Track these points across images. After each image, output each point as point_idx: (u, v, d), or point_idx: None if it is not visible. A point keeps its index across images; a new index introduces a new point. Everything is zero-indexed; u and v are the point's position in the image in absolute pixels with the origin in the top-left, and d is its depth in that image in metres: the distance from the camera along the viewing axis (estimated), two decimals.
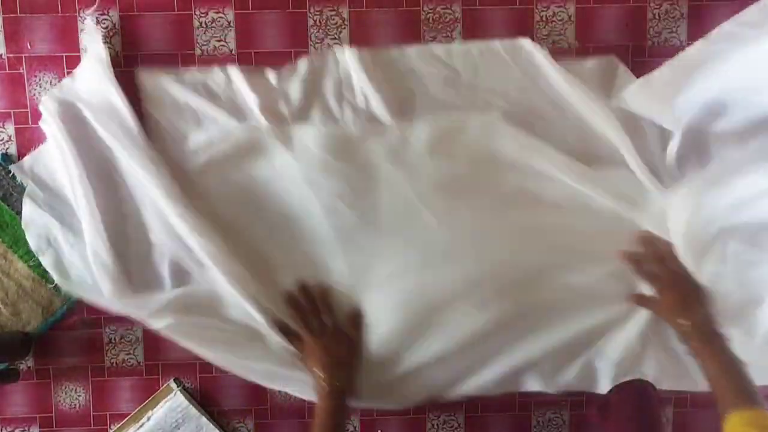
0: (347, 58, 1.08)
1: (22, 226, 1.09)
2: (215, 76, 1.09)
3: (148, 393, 1.18)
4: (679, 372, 1.08)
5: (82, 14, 1.09)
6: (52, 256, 1.08)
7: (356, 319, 1.05)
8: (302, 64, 1.10)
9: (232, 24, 1.12)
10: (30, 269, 1.13)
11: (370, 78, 1.07)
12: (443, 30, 1.13)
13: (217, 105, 1.08)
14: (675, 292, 1.00)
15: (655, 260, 1.03)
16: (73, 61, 1.11)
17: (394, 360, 1.05)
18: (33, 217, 1.08)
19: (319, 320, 1.06)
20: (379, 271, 1.04)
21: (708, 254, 0.99)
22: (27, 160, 1.10)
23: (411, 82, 1.09)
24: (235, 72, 1.09)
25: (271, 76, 1.09)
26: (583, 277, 1.05)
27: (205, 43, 1.12)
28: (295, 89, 1.08)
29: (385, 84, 1.08)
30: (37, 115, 1.11)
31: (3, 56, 1.12)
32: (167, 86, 1.09)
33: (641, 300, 1.04)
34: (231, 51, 1.13)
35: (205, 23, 1.12)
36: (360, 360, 1.05)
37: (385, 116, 1.08)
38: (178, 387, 1.16)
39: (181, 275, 1.08)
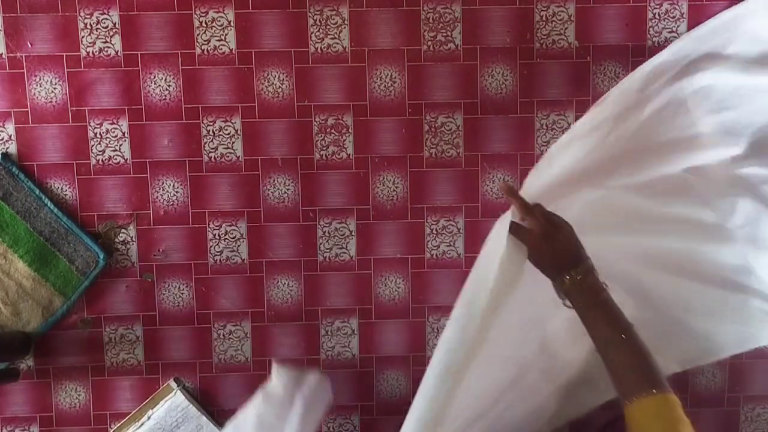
0: None
1: None
2: None
3: (148, 392, 1.17)
4: None
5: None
6: None
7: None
8: None
9: (232, 23, 1.12)
10: (30, 269, 1.13)
11: None
12: (443, 30, 1.13)
13: None
14: (547, 243, 0.86)
15: (523, 211, 0.90)
16: (73, 61, 1.12)
17: None
18: None
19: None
20: None
21: None
22: None
23: None
24: None
25: None
26: None
27: (206, 42, 1.12)
28: None
29: None
30: (37, 115, 1.12)
31: (3, 56, 1.12)
32: None
33: (517, 231, 0.89)
34: (231, 50, 1.13)
35: (206, 23, 1.12)
36: None
37: None
38: (178, 386, 1.16)
39: None
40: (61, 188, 1.14)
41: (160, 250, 1.16)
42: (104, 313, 1.16)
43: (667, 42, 1.14)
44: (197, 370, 1.18)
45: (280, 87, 1.14)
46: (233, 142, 1.15)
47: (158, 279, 1.16)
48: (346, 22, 1.13)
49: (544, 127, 1.16)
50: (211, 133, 1.15)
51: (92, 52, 1.12)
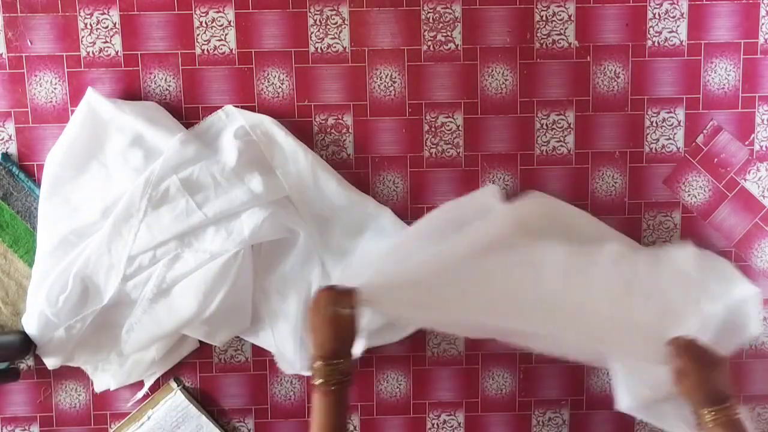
0: None
1: None
2: None
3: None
4: None
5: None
6: None
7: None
8: None
9: (232, 23, 1.12)
10: (30, 269, 1.13)
11: None
12: (443, 30, 1.13)
13: None
14: (691, 377, 0.91)
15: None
16: (73, 61, 1.12)
17: None
18: None
19: None
20: None
21: None
22: None
23: None
24: None
25: None
26: None
27: (206, 42, 1.13)
28: None
29: None
30: (37, 115, 1.12)
31: (3, 56, 1.12)
32: None
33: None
34: (231, 50, 1.13)
35: (206, 22, 1.12)
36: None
37: None
38: (178, 386, 1.16)
39: None
40: None
41: None
42: None
43: (667, 42, 1.14)
44: (197, 370, 1.18)
45: (280, 87, 1.14)
46: None
47: None
48: (346, 22, 1.13)
49: (544, 127, 1.16)
50: None
51: (92, 52, 1.12)
